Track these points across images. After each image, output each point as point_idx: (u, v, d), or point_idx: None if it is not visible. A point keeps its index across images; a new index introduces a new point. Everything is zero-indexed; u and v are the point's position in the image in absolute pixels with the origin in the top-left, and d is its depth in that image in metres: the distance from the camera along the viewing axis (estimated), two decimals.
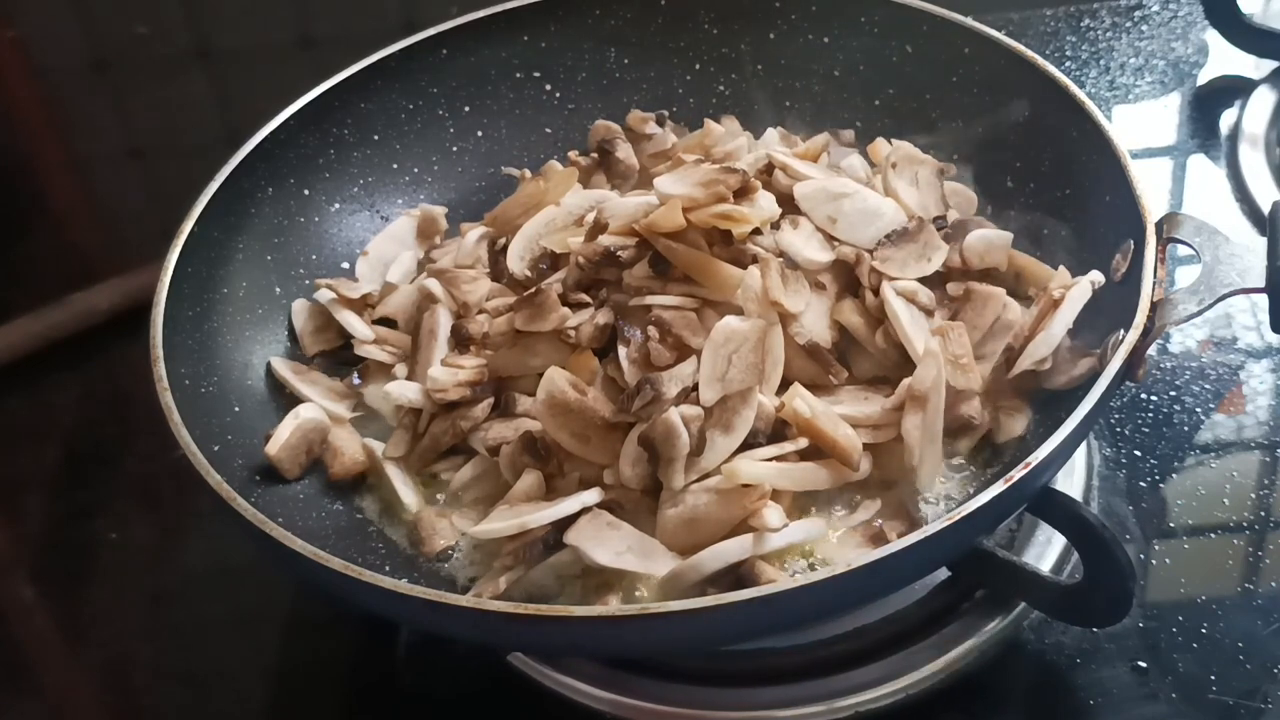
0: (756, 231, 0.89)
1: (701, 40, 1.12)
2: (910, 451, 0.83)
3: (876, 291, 0.88)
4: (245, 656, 0.95)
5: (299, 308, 1.01)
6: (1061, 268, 0.90)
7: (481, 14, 1.09)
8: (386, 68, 1.06)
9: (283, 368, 0.96)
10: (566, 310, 0.89)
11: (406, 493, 0.90)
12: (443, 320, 0.94)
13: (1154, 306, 0.80)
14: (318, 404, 0.93)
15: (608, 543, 0.80)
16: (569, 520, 0.81)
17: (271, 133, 1.01)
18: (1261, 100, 1.25)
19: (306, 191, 1.04)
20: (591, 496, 0.83)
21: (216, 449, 0.84)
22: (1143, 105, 1.28)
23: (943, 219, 0.95)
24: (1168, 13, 1.37)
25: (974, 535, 0.79)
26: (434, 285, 0.96)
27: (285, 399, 0.95)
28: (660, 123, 1.07)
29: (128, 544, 1.04)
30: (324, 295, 1.00)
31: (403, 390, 0.92)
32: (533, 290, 0.90)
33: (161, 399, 0.82)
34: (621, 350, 0.87)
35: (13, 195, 1.40)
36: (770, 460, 0.82)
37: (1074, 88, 0.94)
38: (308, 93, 1.03)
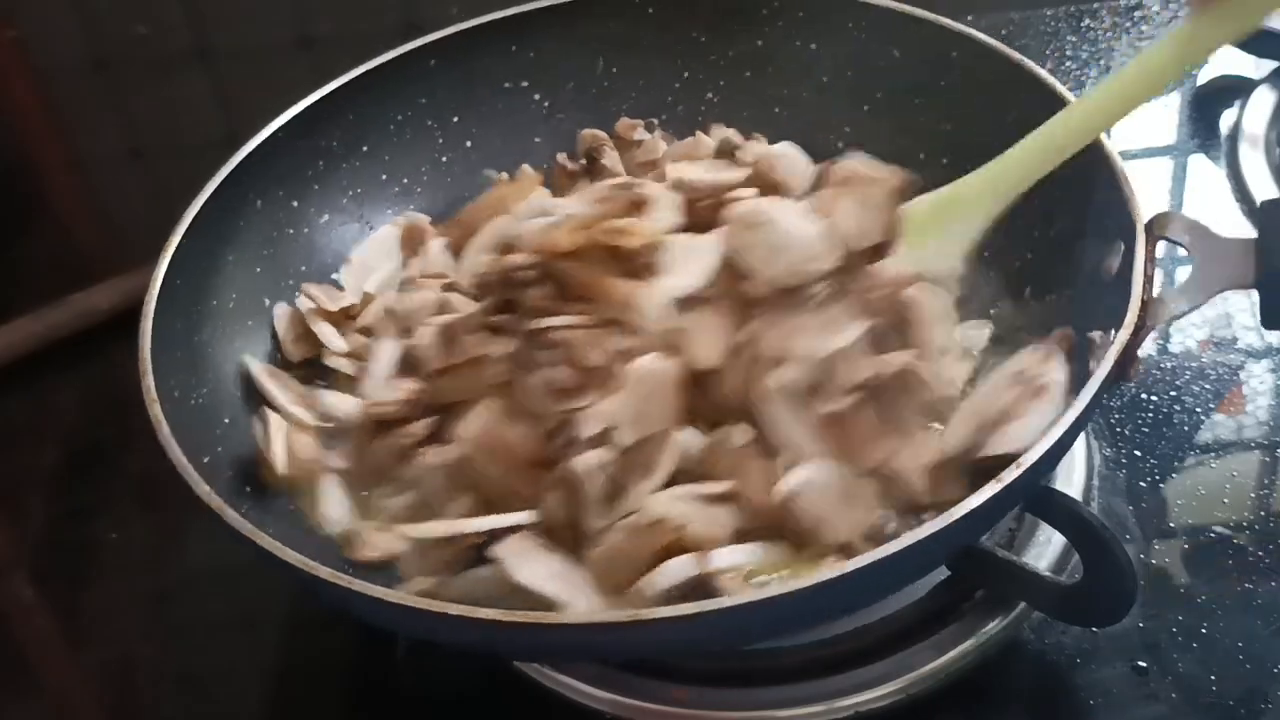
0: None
1: (690, 49, 1.11)
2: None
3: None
4: (245, 656, 0.95)
5: (281, 313, 1.00)
6: (1033, 346, 0.85)
7: (469, 24, 1.08)
8: (374, 79, 1.06)
9: (257, 368, 0.95)
10: (477, 338, 0.86)
11: (333, 505, 0.89)
12: (387, 338, 0.94)
13: (1145, 305, 0.79)
14: (285, 408, 0.92)
15: (534, 564, 0.78)
16: (504, 533, 0.79)
17: (259, 145, 0.99)
18: (1261, 100, 1.24)
19: (295, 203, 1.03)
20: (527, 516, 0.81)
21: (207, 460, 0.84)
22: (1142, 105, 1.28)
23: (884, 245, 0.88)
24: (1168, 13, 1.37)
25: (966, 539, 0.78)
26: (388, 299, 0.96)
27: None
28: (649, 129, 1.07)
29: (128, 544, 1.04)
30: (303, 303, 1.00)
31: (340, 403, 0.91)
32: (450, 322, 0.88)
33: (150, 411, 0.81)
34: (530, 377, 0.83)
35: (13, 195, 1.40)
36: (690, 498, 0.80)
37: (1061, 89, 0.93)
38: (295, 105, 1.02)
